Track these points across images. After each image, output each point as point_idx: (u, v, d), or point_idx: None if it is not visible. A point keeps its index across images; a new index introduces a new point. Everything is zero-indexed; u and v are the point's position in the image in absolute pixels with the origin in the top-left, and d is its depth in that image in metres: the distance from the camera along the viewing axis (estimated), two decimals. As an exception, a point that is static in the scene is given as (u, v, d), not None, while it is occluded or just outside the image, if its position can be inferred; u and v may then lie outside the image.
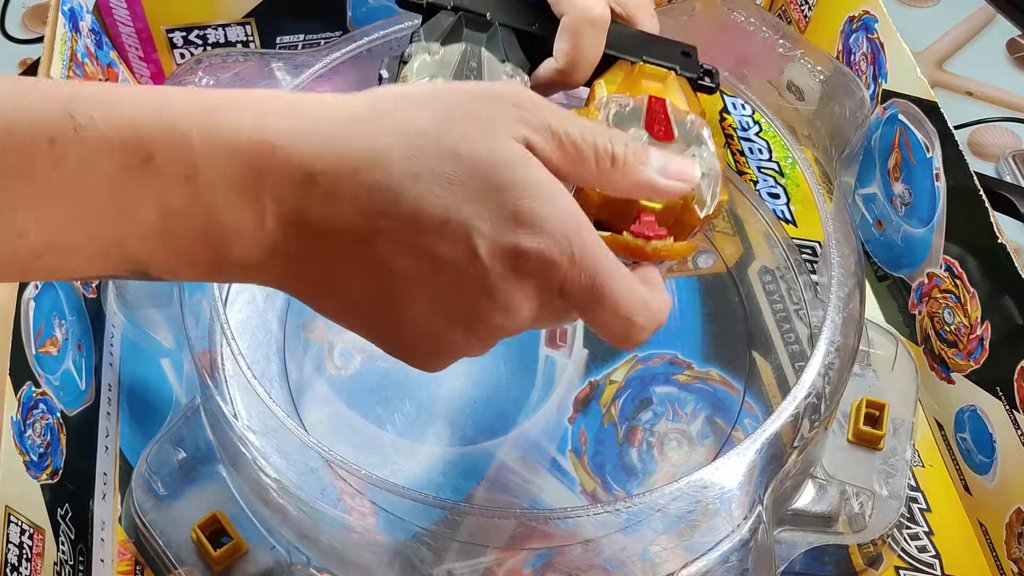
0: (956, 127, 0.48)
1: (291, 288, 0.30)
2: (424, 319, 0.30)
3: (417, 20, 0.39)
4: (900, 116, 0.50)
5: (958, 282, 0.47)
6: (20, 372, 0.40)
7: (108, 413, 0.47)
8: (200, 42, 0.59)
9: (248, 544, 0.40)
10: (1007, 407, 0.44)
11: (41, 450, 0.41)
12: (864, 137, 0.52)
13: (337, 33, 0.59)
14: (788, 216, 0.56)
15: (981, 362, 0.46)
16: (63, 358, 0.44)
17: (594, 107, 0.37)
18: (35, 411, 0.41)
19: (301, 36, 0.60)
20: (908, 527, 0.46)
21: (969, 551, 0.46)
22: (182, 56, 0.59)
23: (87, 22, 0.53)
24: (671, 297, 0.50)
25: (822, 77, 0.51)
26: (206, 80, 0.48)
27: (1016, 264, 0.44)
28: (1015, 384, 0.43)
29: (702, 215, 0.35)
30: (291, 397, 0.46)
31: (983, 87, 0.65)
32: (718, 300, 0.50)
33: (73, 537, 0.42)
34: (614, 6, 0.39)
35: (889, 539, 0.44)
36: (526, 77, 0.38)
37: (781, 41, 0.52)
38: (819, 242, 0.54)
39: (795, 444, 0.41)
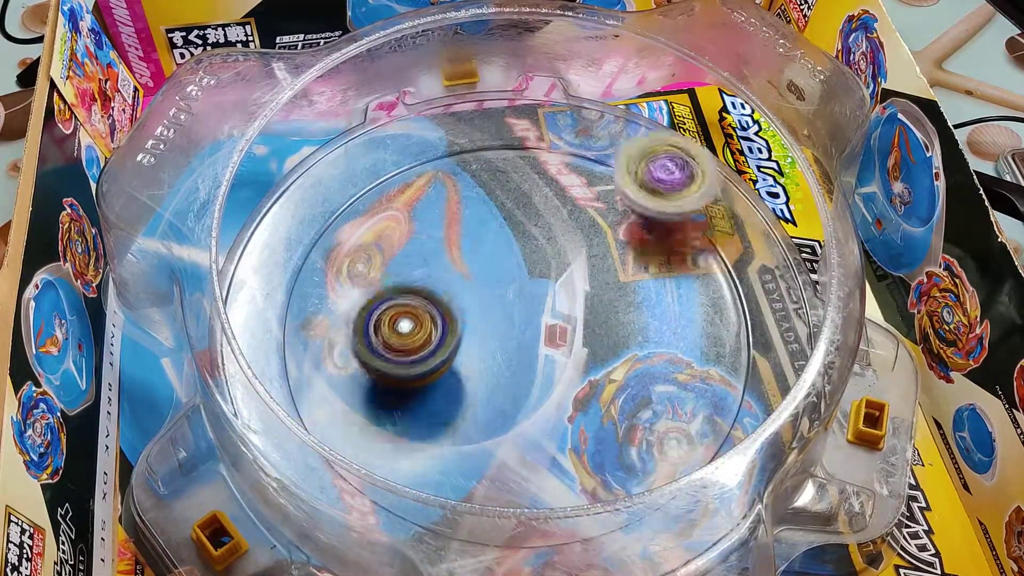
0: (955, 126, 0.48)
1: None
2: None
3: (420, 21, 0.39)
4: (899, 115, 0.51)
5: (957, 281, 0.47)
6: (20, 372, 0.40)
7: (108, 413, 0.47)
8: (200, 42, 0.59)
9: (248, 543, 0.40)
10: (1006, 406, 0.44)
11: (41, 450, 0.41)
12: (864, 136, 0.52)
13: (337, 33, 0.59)
14: (788, 215, 0.56)
15: (980, 361, 0.46)
16: (63, 358, 0.44)
17: None
18: (35, 411, 0.41)
19: (301, 36, 0.60)
20: (908, 526, 0.46)
21: (969, 550, 0.46)
22: (182, 56, 0.59)
23: (87, 22, 0.53)
24: (670, 297, 0.50)
25: (822, 77, 0.51)
26: (207, 80, 0.48)
27: (1016, 263, 0.44)
28: (1014, 383, 0.43)
29: None
30: (291, 396, 0.46)
31: (983, 86, 0.65)
32: (717, 299, 0.50)
33: (73, 537, 0.42)
34: None
35: (889, 538, 0.44)
36: None
37: (781, 41, 0.52)
38: (819, 241, 0.54)
39: (795, 443, 0.41)
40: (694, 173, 0.51)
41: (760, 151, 0.59)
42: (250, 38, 0.59)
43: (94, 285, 0.49)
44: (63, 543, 0.40)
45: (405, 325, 0.44)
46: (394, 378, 0.44)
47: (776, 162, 0.58)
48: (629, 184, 0.51)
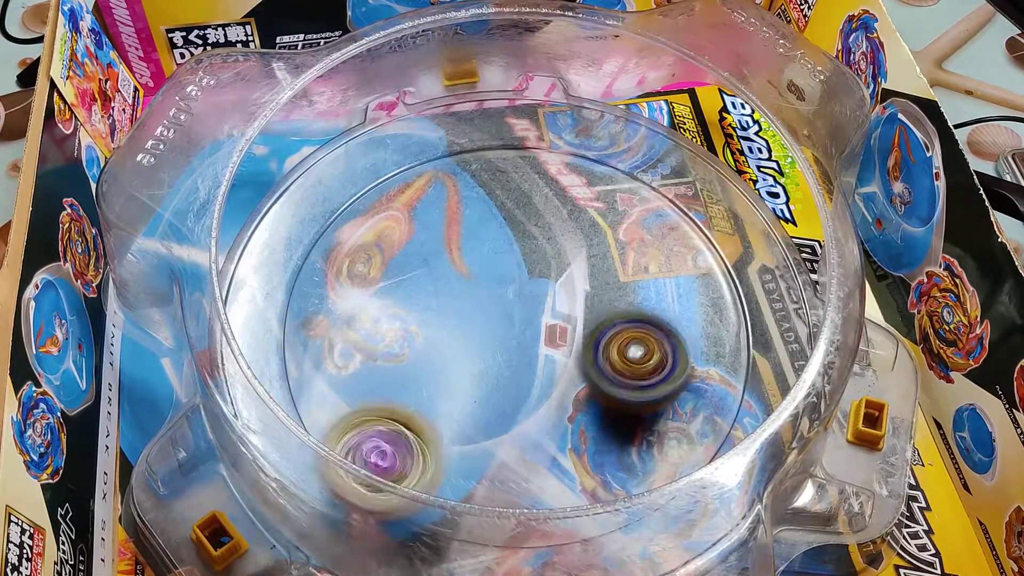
0: (956, 126, 0.48)
1: None
2: None
3: (420, 21, 0.39)
4: (899, 115, 0.51)
5: (957, 281, 0.47)
6: (20, 372, 0.40)
7: (108, 413, 0.47)
8: (200, 42, 0.59)
9: (248, 543, 0.40)
10: (1006, 406, 0.44)
11: (41, 450, 0.41)
12: (864, 136, 0.52)
13: (337, 33, 0.59)
14: (788, 215, 0.56)
15: (980, 361, 0.46)
16: (63, 358, 0.44)
17: None
18: (35, 411, 0.41)
19: (301, 36, 0.60)
20: (908, 526, 0.46)
21: (969, 550, 0.46)
22: (182, 56, 0.59)
23: (87, 22, 0.53)
24: (670, 297, 0.50)
25: (822, 77, 0.51)
26: (207, 80, 0.48)
27: (1016, 263, 0.44)
28: (1015, 383, 0.43)
29: None
30: (291, 396, 0.46)
31: (983, 86, 0.65)
32: (717, 299, 0.50)
33: (73, 537, 0.42)
34: None
35: (889, 538, 0.44)
36: None
37: (781, 41, 0.52)
38: (819, 241, 0.54)
39: (795, 443, 0.41)
40: (413, 450, 0.41)
41: (760, 151, 0.59)
42: (250, 38, 0.59)
43: (94, 285, 0.49)
44: (63, 543, 0.40)
45: (635, 351, 0.45)
46: (629, 404, 0.46)
47: (776, 162, 0.58)
48: (339, 478, 0.37)
